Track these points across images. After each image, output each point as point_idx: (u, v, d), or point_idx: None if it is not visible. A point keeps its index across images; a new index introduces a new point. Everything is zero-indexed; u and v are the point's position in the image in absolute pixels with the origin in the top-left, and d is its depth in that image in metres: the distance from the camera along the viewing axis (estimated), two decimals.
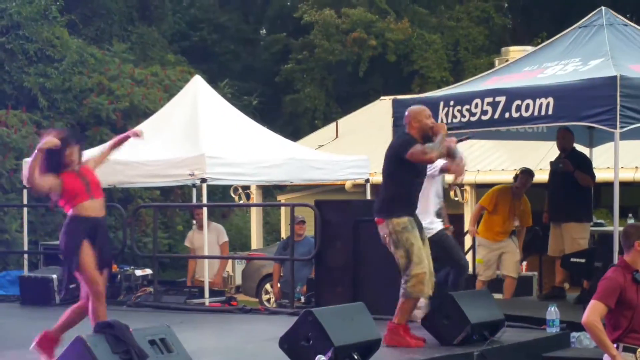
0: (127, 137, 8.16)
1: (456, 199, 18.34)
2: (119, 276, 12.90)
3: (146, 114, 21.16)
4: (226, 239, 13.60)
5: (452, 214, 13.35)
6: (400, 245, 8.09)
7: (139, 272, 13.07)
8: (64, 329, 7.43)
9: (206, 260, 12.81)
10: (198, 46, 35.18)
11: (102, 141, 19.58)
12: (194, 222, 14.60)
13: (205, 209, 13.17)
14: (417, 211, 8.60)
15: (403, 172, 8.21)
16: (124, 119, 24.68)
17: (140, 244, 20.07)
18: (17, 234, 19.43)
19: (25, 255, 15.01)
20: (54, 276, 11.81)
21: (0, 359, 7.69)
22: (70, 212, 7.44)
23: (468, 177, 17.57)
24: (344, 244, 10.08)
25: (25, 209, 14.89)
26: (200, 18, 35.96)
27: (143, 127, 15.10)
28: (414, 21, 33.21)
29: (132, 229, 14.39)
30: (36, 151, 7.32)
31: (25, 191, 14.85)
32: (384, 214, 8.20)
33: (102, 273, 7.39)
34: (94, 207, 7.42)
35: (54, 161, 7.42)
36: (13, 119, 23.45)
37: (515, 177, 12.16)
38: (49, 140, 7.30)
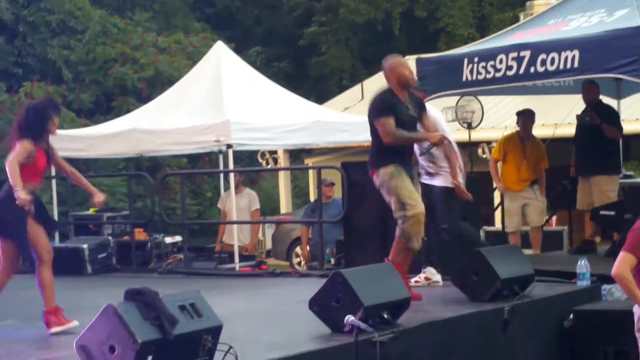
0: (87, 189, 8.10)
1: (484, 156, 18.26)
2: (149, 244, 12.98)
3: (170, 81, 21.18)
4: (258, 206, 13.62)
5: (480, 172, 13.31)
6: (392, 192, 8.21)
7: (168, 240, 13.15)
8: (50, 296, 7.58)
9: (235, 225, 12.85)
10: (222, 13, 35.10)
11: (128, 111, 19.63)
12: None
13: (232, 175, 13.19)
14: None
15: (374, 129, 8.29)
16: (149, 88, 24.73)
17: (169, 211, 20.16)
18: (48, 205, 19.54)
19: None
20: (85, 246, 11.88)
21: (33, 329, 7.75)
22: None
23: (495, 134, 17.49)
24: (371, 204, 10.05)
25: (54, 181, 14.97)
26: None
27: (168, 94, 15.15)
28: None
29: (161, 197, 14.45)
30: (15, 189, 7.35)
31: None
32: (373, 166, 8.34)
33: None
34: (36, 189, 7.55)
35: (39, 127, 7.49)
36: (38, 92, 23.55)
37: (518, 122, 12.09)
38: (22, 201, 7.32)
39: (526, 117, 11.96)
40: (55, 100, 7.89)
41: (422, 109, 8.48)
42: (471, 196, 9.28)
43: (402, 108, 8.21)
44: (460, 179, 9.23)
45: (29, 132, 7.50)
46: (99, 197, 7.87)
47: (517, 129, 12.13)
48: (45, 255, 7.54)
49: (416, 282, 9.08)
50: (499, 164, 12.06)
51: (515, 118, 12.30)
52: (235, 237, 12.75)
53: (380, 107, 8.18)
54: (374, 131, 8.32)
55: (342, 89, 27.62)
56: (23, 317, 8.29)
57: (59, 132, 7.86)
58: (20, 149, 7.44)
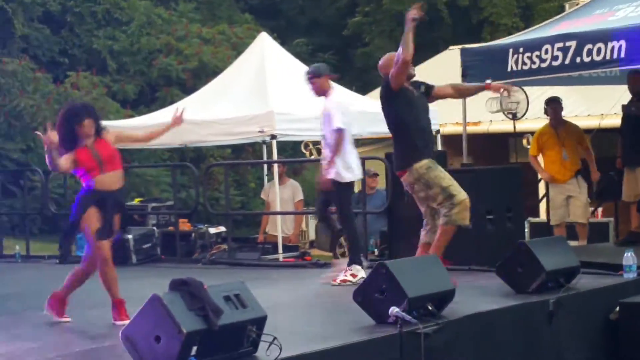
0: (166, 130, 8.14)
1: (528, 147, 18.13)
2: (193, 234, 13.03)
3: (215, 72, 21.23)
4: (301, 197, 13.64)
5: (526, 162, 13.23)
6: (433, 184, 8.26)
7: (213, 230, 13.19)
8: (69, 290, 7.66)
9: (279, 216, 12.87)
10: (265, 3, 35.11)
11: (172, 102, 19.71)
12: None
13: (275, 165, 13.21)
14: (340, 166, 8.96)
15: (403, 115, 8.37)
16: (193, 79, 24.81)
17: (213, 201, 20.23)
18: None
19: None
20: (130, 236, 11.95)
21: (82, 318, 7.82)
22: (83, 184, 7.59)
23: (540, 125, 17.32)
24: None
25: None
26: None
27: (212, 85, 15.21)
28: None
29: (205, 187, 14.49)
30: (47, 152, 7.40)
31: None
32: (403, 165, 8.35)
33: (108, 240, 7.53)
34: (104, 182, 7.51)
35: (67, 139, 7.50)
36: (84, 82, 23.71)
37: (545, 111, 12.01)
38: (50, 141, 7.34)
39: (554, 105, 11.91)
40: (80, 105, 7.81)
41: (423, 84, 8.70)
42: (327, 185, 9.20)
43: (408, 91, 8.44)
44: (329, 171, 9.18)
45: (61, 142, 7.51)
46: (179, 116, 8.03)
47: (548, 119, 12.07)
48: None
49: (342, 281, 9.01)
50: (540, 158, 12.00)
51: (565, 105, 12.22)
52: (279, 227, 12.78)
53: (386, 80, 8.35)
54: (395, 130, 8.42)
55: None
56: (68, 307, 8.36)
57: (105, 123, 7.86)
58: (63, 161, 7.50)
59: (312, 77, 9.38)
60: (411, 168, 8.25)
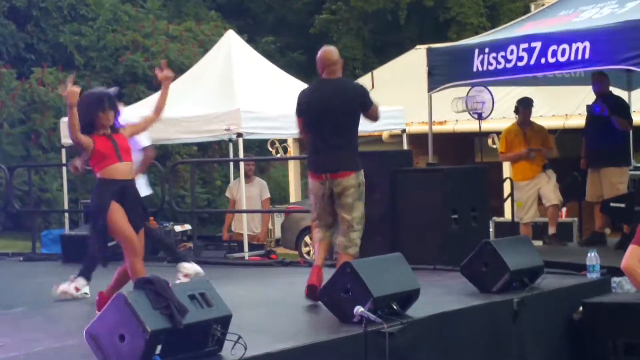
0: (165, 93, 8.07)
1: (494, 146, 18.22)
2: (158, 232, 12.97)
3: (182, 69, 21.14)
4: (269, 195, 13.62)
5: (491, 162, 13.31)
6: (363, 198, 8.06)
7: (178, 228, 13.16)
8: (115, 289, 7.53)
9: (245, 214, 12.87)
10: (232, 2, 35.05)
11: (138, 99, 19.65)
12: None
13: (242, 164, 13.20)
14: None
15: (358, 121, 8.13)
16: None
17: (179, 199, 20.18)
18: (58, 192, 19.62)
19: (66, 214, 15.16)
20: None
21: (43, 315, 7.78)
22: (98, 174, 7.49)
23: (505, 125, 17.42)
24: (381, 194, 10.06)
25: (64, 168, 14.98)
26: None
27: (178, 82, 15.14)
28: None
29: (171, 185, 14.45)
30: (69, 108, 7.31)
31: (64, 150, 14.97)
32: (353, 167, 7.99)
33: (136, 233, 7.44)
34: (122, 170, 7.44)
35: (86, 122, 7.43)
36: (49, 77, 23.58)
37: (516, 110, 12.09)
38: (70, 91, 7.24)
39: (527, 106, 12.00)
40: (104, 93, 7.67)
41: None
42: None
43: None
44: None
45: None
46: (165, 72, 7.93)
47: (516, 118, 12.16)
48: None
49: (63, 292, 8.60)
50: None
51: (512, 108, 12.31)
52: (245, 226, 12.78)
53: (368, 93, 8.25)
54: (354, 128, 8.11)
55: (355, 78, 27.58)
56: (33, 305, 8.32)
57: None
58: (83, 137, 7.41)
59: None
60: (360, 172, 8.05)
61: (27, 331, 7.24)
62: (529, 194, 11.90)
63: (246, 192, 13.01)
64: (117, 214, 7.33)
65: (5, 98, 21.91)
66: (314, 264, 7.95)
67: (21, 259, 12.27)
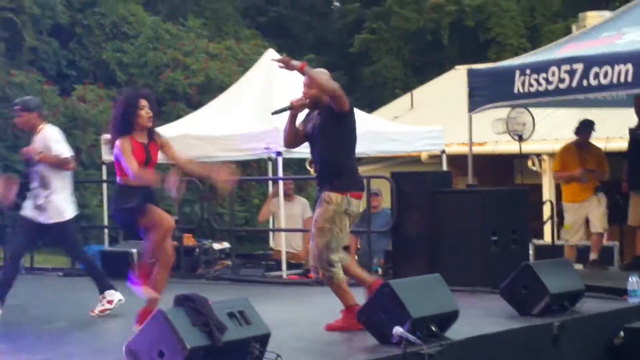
0: (204, 177, 7.98)
1: (534, 168, 18.15)
2: (197, 250, 13.01)
3: (221, 88, 21.27)
4: (310, 214, 13.58)
5: (531, 184, 13.23)
6: (331, 231, 7.30)
7: (217, 246, 13.17)
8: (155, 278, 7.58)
9: (283, 232, 12.86)
10: (273, 21, 35.20)
11: (178, 116, 19.73)
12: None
13: (281, 182, 13.21)
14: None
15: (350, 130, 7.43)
16: (200, 94, 24.86)
17: (218, 217, 20.21)
18: (97, 208, 19.71)
19: (106, 230, 15.22)
20: (134, 250, 11.94)
21: (83, 331, 7.82)
22: (120, 180, 7.46)
23: (546, 146, 17.39)
24: (420, 215, 10.04)
25: (104, 184, 15.06)
26: None
27: (218, 101, 15.23)
28: None
29: (210, 203, 14.49)
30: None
31: (104, 167, 15.04)
32: (346, 187, 7.34)
33: None
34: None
35: (122, 122, 7.44)
36: (91, 94, 23.75)
37: (577, 131, 11.98)
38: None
39: (589, 129, 11.91)
40: (142, 90, 7.72)
41: None
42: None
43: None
44: None
45: (116, 128, 7.45)
46: (223, 172, 7.59)
47: (574, 138, 12.06)
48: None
49: (102, 312, 8.58)
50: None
51: (571, 128, 12.22)
52: (283, 243, 12.77)
53: None
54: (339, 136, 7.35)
55: (394, 97, 27.61)
56: (73, 320, 8.37)
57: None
58: (120, 152, 7.37)
59: (22, 109, 8.96)
60: (348, 193, 7.35)
61: (67, 346, 7.28)
62: (577, 217, 11.80)
63: (288, 211, 13.02)
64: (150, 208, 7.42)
65: (48, 114, 22.10)
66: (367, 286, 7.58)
67: (61, 274, 12.34)
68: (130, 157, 7.31)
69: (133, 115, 7.42)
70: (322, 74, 7.33)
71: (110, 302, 8.67)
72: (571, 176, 11.79)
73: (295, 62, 7.26)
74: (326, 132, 7.28)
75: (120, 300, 8.63)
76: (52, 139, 8.81)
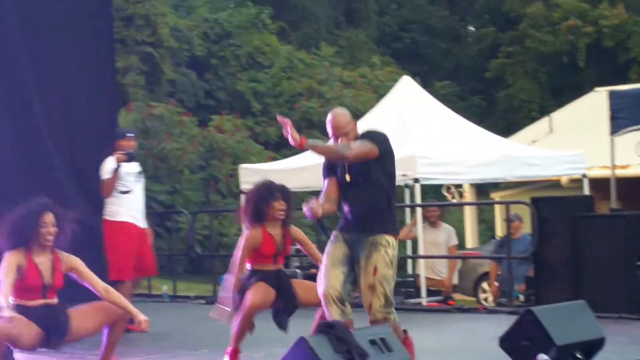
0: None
1: None
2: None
3: (356, 115, 21.23)
4: (456, 241, 13.47)
5: None
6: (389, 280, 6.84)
7: None
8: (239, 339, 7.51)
9: (423, 259, 12.79)
10: (408, 47, 35.25)
11: None
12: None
13: (419, 209, 13.14)
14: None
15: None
16: None
17: None
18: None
19: None
20: None
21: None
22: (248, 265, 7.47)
23: None
24: (562, 240, 9.88)
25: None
26: (410, 19, 35.99)
27: None
28: (629, 6, 32.16)
29: None
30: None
31: (242, 196, 15.23)
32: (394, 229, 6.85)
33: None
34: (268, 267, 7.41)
35: (254, 214, 7.43)
36: (227, 124, 24.13)
37: None
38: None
39: None
40: (274, 184, 7.58)
41: None
42: None
43: None
44: None
45: (247, 218, 7.48)
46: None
47: None
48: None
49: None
50: None
51: None
52: (422, 270, 12.69)
53: None
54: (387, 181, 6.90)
55: (532, 121, 27.26)
56: (216, 346, 8.46)
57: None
58: (245, 238, 7.44)
59: None
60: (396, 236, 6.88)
61: None
62: None
63: (433, 238, 12.94)
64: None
65: (186, 145, 22.53)
66: None
67: (203, 302, 12.52)
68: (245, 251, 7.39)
69: (265, 207, 7.40)
70: (334, 145, 6.81)
71: None
72: None
73: (294, 136, 6.70)
74: (369, 176, 6.78)
75: None
76: None
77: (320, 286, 6.59)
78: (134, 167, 10.01)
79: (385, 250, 6.62)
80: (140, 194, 10.11)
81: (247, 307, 7.26)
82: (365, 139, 6.76)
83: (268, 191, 7.48)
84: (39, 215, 6.54)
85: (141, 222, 10.08)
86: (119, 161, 9.73)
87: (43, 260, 6.52)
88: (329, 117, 6.97)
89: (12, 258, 6.42)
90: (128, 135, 10.25)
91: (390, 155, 6.89)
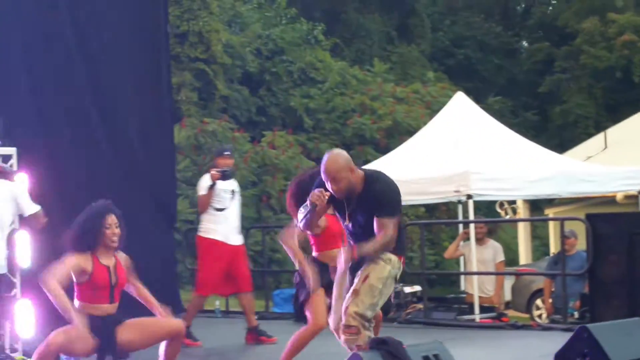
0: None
1: None
2: None
3: (409, 131, 21.31)
4: (503, 258, 13.39)
5: None
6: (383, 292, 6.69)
7: (408, 289, 13.12)
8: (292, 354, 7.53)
9: (475, 276, 12.72)
10: (461, 63, 35.16)
11: (366, 161, 19.87)
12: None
13: (472, 225, 13.08)
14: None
15: None
16: (387, 138, 24.97)
17: (408, 260, 20.16)
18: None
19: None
20: None
21: None
22: (315, 254, 7.50)
23: None
24: (618, 257, 9.77)
25: None
26: (463, 35, 35.90)
27: (407, 144, 15.25)
28: None
29: None
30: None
31: None
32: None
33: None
34: (333, 257, 7.18)
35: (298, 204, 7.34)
36: (280, 140, 24.20)
37: None
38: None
39: None
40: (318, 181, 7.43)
41: None
42: None
43: None
44: None
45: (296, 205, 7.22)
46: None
47: None
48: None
49: None
50: None
51: None
52: (476, 287, 12.62)
53: None
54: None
55: (588, 136, 27.02)
56: None
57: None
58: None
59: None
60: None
61: None
62: None
63: (480, 255, 12.87)
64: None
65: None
66: None
67: (256, 317, 12.52)
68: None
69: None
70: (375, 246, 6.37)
71: None
72: None
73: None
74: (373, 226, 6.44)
75: None
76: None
77: (331, 322, 6.52)
78: (230, 185, 10.09)
79: (384, 266, 6.42)
80: (235, 212, 10.19)
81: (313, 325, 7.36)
82: (381, 204, 6.35)
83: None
84: (104, 217, 6.73)
85: (235, 239, 10.13)
86: (213, 179, 9.81)
87: (108, 261, 6.73)
88: (323, 158, 6.61)
89: (70, 261, 6.59)
90: (225, 153, 10.32)
91: (400, 205, 6.53)
